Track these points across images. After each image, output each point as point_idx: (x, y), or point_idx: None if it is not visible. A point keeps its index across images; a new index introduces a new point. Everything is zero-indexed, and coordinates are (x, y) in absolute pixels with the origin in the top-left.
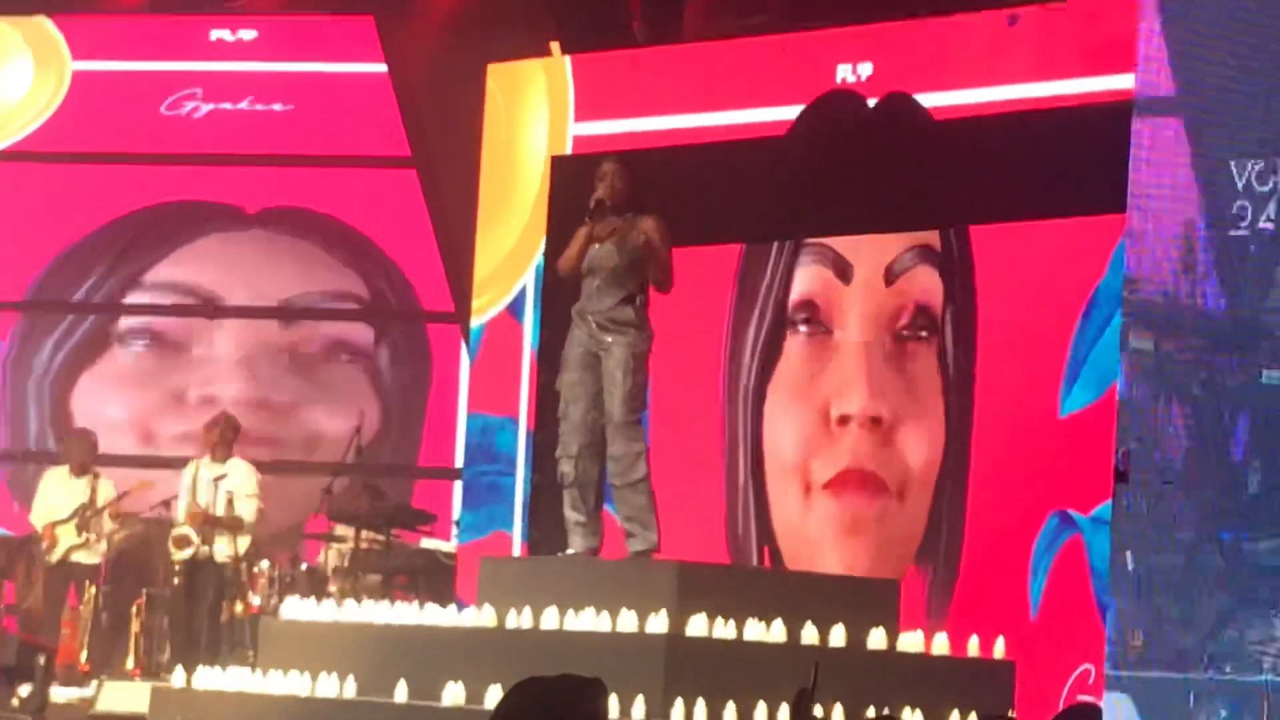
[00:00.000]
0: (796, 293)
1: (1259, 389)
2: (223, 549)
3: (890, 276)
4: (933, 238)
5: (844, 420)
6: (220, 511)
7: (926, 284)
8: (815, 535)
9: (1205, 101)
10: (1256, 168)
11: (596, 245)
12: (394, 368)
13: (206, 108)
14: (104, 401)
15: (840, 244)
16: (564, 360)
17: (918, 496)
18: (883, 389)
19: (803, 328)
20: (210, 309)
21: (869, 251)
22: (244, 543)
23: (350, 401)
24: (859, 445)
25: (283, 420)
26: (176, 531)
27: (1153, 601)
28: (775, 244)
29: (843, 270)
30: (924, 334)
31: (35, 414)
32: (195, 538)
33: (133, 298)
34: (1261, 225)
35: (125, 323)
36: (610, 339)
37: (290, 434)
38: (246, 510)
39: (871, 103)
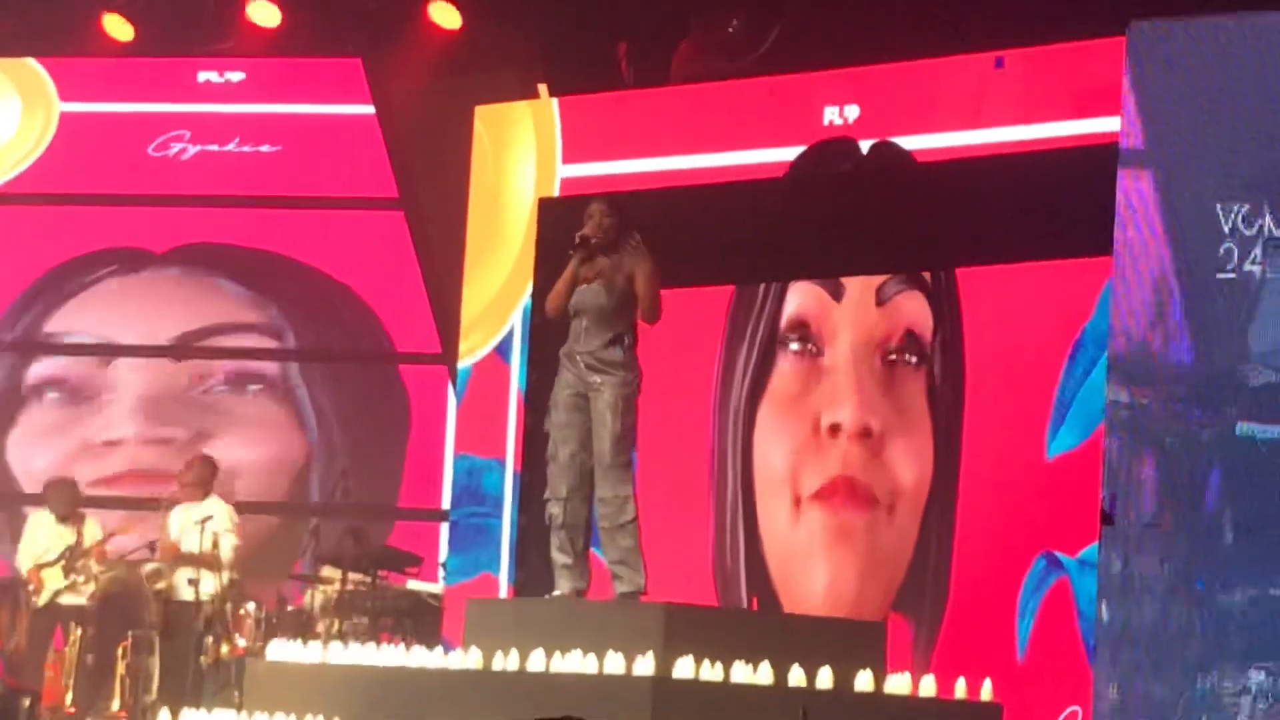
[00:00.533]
0: (789, 312)
1: (1233, 441)
2: (205, 587)
3: (881, 298)
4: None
5: (834, 430)
6: (206, 549)
7: (916, 309)
8: (804, 547)
9: (1188, 147)
10: (1242, 211)
11: (584, 285)
12: (321, 398)
13: (194, 149)
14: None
15: None
16: (552, 402)
17: (907, 513)
18: (873, 403)
19: (794, 346)
20: (122, 350)
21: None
22: (221, 579)
23: (262, 432)
24: (849, 454)
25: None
26: (148, 568)
27: (1128, 654)
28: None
29: (835, 288)
30: (912, 359)
31: None
32: (167, 573)
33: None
34: (1247, 268)
35: (34, 374)
36: (599, 380)
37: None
38: (223, 547)
39: (864, 145)
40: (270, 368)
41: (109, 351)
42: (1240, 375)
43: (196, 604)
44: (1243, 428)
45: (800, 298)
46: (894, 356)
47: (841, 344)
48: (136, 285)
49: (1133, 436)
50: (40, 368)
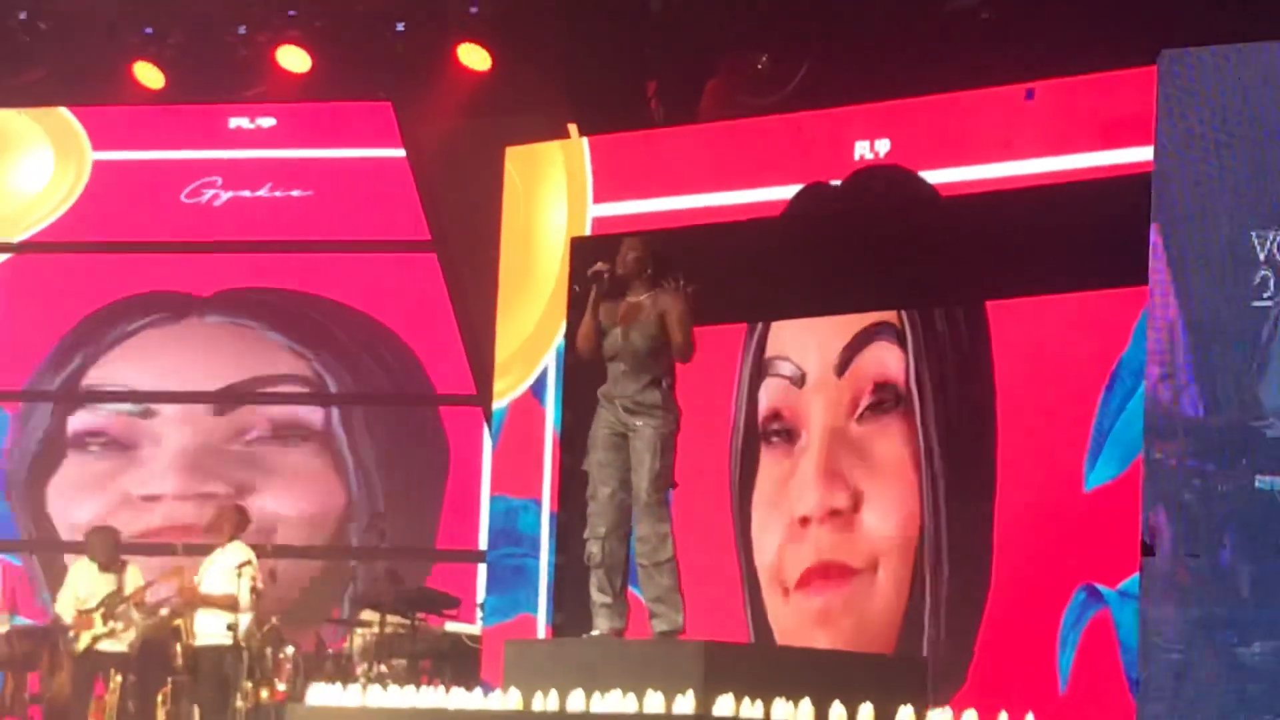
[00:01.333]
0: (764, 407)
1: (1250, 494)
2: (217, 628)
3: (840, 367)
4: (892, 316)
5: (804, 521)
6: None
7: (879, 359)
8: (797, 632)
9: (1221, 175)
10: (1277, 239)
11: (618, 329)
12: (363, 447)
13: (226, 195)
14: (71, 505)
15: (795, 349)
16: (591, 441)
17: (896, 565)
18: (841, 477)
19: (775, 439)
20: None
21: (816, 349)
22: (244, 620)
23: (304, 484)
24: (820, 541)
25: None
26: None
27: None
28: (743, 357)
29: (798, 377)
30: (887, 406)
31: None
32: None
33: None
34: None
35: (75, 424)
36: (639, 422)
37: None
38: (242, 588)
39: (859, 180)
40: (311, 418)
41: (150, 399)
42: (1255, 430)
43: (228, 648)
44: (1262, 480)
45: (771, 390)
46: (865, 414)
47: (813, 423)
48: (176, 335)
49: (1148, 491)
50: (82, 418)
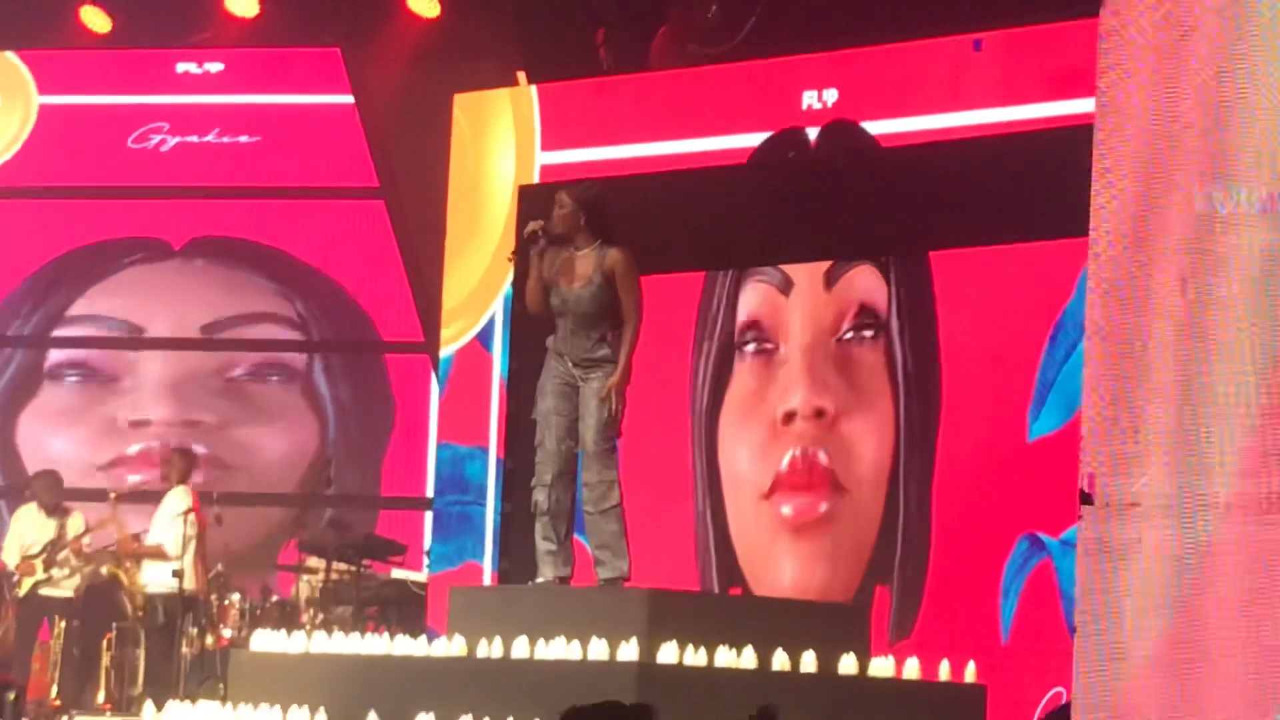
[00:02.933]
0: (742, 314)
1: None
2: (163, 575)
3: (829, 281)
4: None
5: (789, 417)
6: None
7: (868, 284)
8: (768, 541)
9: (1164, 125)
10: (1219, 190)
11: (566, 288)
12: (334, 389)
13: (173, 140)
14: (45, 436)
15: None
16: (540, 390)
17: (870, 490)
18: (826, 385)
19: (750, 348)
20: (150, 340)
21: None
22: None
23: (286, 421)
24: (804, 435)
25: (216, 441)
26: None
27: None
28: (723, 273)
29: (783, 283)
30: (868, 334)
31: None
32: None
33: (61, 331)
34: (1221, 238)
35: (54, 357)
36: (590, 375)
37: (228, 455)
38: (165, 539)
39: (812, 134)
40: (293, 360)
41: (129, 345)
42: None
43: (174, 594)
44: None
45: (750, 298)
46: (849, 335)
47: (794, 335)
48: (150, 275)
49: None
50: (60, 351)
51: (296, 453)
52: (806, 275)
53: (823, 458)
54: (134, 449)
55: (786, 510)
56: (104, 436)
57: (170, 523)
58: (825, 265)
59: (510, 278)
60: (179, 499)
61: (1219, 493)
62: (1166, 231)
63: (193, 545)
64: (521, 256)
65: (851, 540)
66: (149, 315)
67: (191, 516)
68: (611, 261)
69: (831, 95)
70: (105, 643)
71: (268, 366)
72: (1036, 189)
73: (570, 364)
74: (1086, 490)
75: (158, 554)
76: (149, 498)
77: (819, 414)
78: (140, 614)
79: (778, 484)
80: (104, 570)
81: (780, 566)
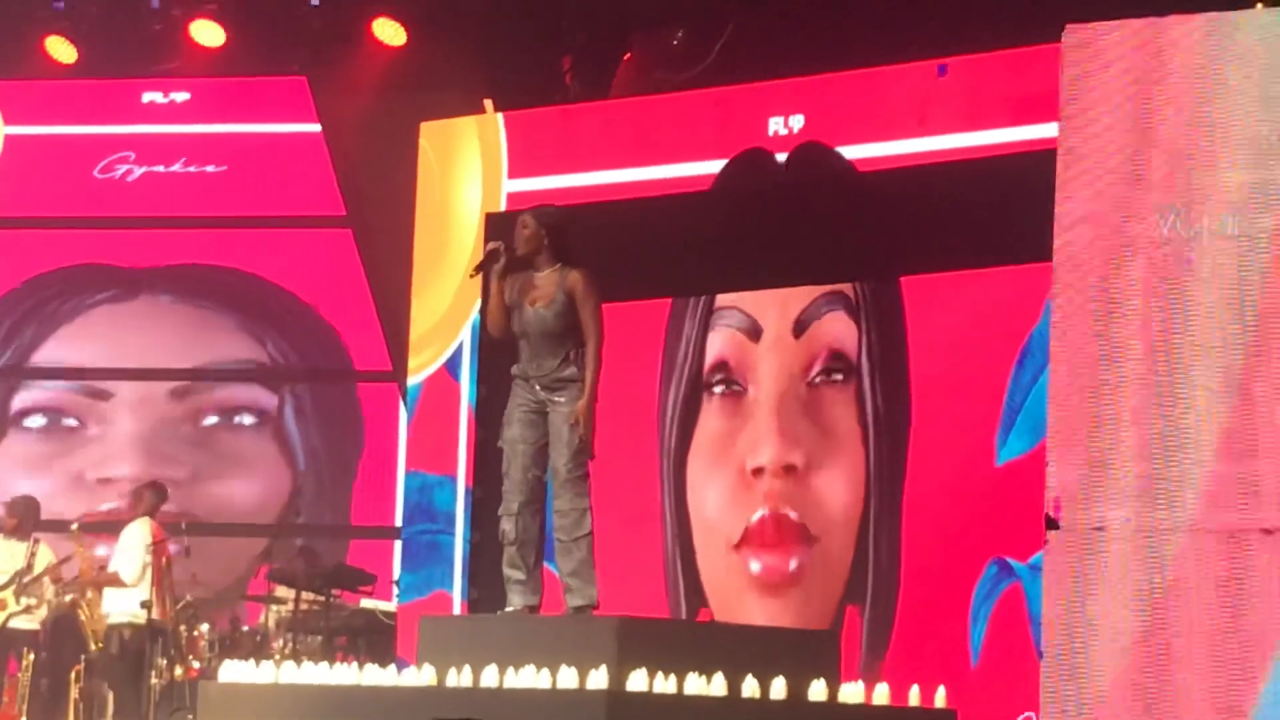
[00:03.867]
0: (710, 356)
1: None
2: (129, 605)
3: (799, 328)
4: (847, 287)
5: (758, 472)
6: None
7: (837, 330)
8: (738, 593)
9: (1125, 149)
10: (1182, 213)
11: (529, 308)
12: (304, 429)
13: (140, 170)
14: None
15: (749, 302)
16: (506, 417)
17: (840, 540)
18: (796, 437)
19: (718, 389)
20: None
21: (777, 307)
22: (131, 596)
23: (258, 469)
24: (774, 492)
25: (186, 494)
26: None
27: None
28: (691, 305)
29: (752, 330)
30: (838, 377)
31: None
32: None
33: (29, 379)
34: (1184, 267)
35: (18, 403)
36: (559, 398)
37: (200, 509)
38: (121, 567)
39: (781, 157)
40: (262, 399)
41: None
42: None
43: (141, 625)
44: None
45: (720, 343)
46: (819, 379)
47: (764, 379)
48: (117, 316)
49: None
50: (25, 396)
51: (268, 499)
52: (776, 321)
53: (793, 515)
54: (105, 507)
55: (756, 567)
56: (71, 490)
57: (129, 551)
58: (794, 314)
59: (478, 305)
60: (140, 529)
61: (1184, 517)
62: (1128, 262)
63: (149, 574)
64: (484, 274)
65: (822, 589)
66: (117, 360)
67: (149, 544)
68: (572, 281)
69: (798, 121)
70: (73, 675)
71: (238, 410)
72: (1002, 213)
73: (537, 387)
74: (1052, 515)
75: (114, 581)
76: (110, 528)
77: (789, 470)
78: (100, 645)
79: (747, 538)
80: (67, 599)
81: (749, 617)
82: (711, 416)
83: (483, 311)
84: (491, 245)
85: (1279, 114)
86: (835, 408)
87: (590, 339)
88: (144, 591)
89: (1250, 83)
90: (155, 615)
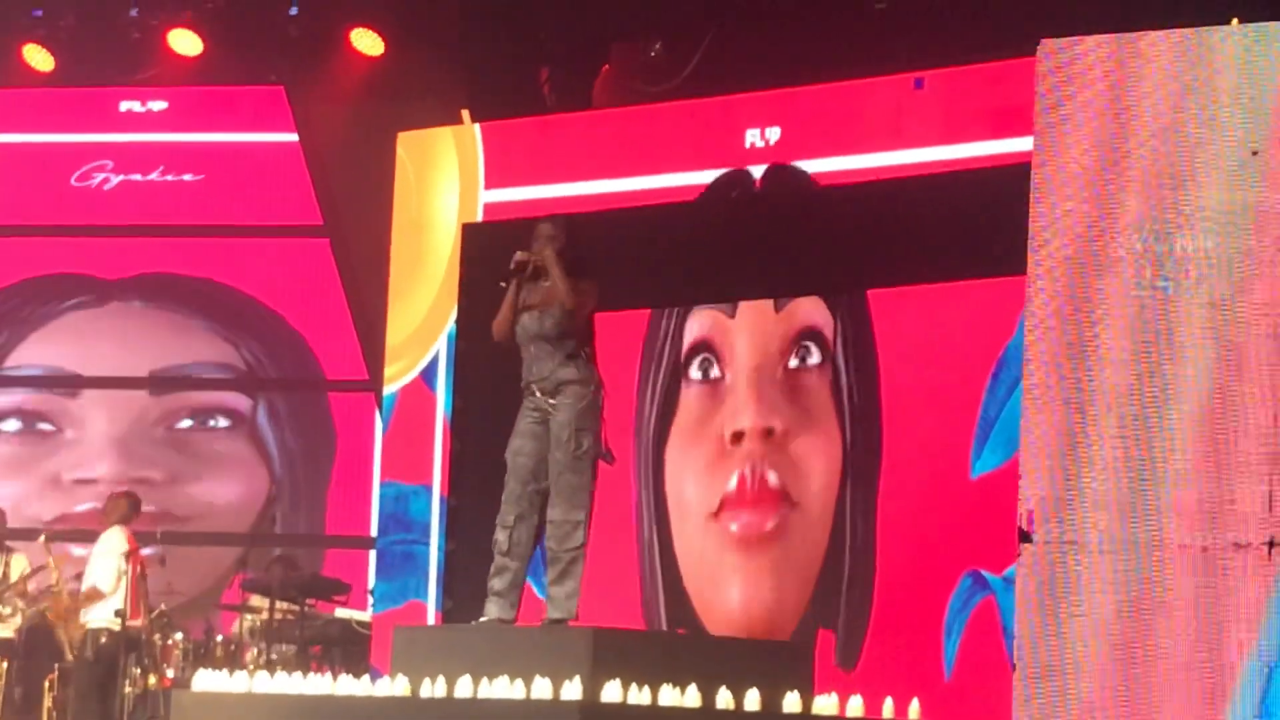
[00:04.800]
0: (689, 338)
1: None
2: (104, 614)
3: (779, 303)
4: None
5: (737, 437)
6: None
7: (814, 310)
8: (716, 561)
9: (1099, 164)
10: (1155, 228)
11: (525, 314)
12: (279, 434)
13: (117, 179)
14: None
15: None
16: (515, 428)
17: (816, 513)
18: (774, 406)
19: (696, 374)
20: (83, 382)
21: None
22: (104, 607)
23: (234, 471)
24: (754, 453)
25: (164, 496)
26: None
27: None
28: (668, 310)
29: (729, 308)
30: (814, 360)
31: None
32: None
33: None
34: (1159, 284)
35: None
36: (558, 400)
37: (178, 509)
38: (98, 577)
39: (757, 171)
40: (237, 404)
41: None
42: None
43: (116, 633)
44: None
45: (697, 322)
46: (795, 362)
47: (741, 360)
48: (91, 320)
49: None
50: (2, 399)
51: (246, 501)
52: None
53: (772, 477)
54: (81, 508)
55: (734, 527)
56: (47, 492)
57: (104, 561)
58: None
59: (454, 316)
60: (115, 538)
61: (1156, 532)
62: (1103, 276)
63: (124, 583)
64: (507, 284)
65: (800, 555)
66: (91, 362)
67: (126, 552)
68: (576, 287)
69: (774, 133)
70: (47, 683)
71: (213, 414)
72: (978, 226)
73: (538, 393)
74: (1025, 529)
75: (94, 597)
76: (81, 536)
77: (768, 433)
78: (75, 652)
79: (725, 503)
80: (44, 610)
81: (727, 585)
82: (690, 402)
83: (460, 320)
84: (520, 258)
85: (1253, 130)
86: (812, 389)
87: (567, 301)
88: (119, 600)
89: (1225, 98)
90: (130, 623)
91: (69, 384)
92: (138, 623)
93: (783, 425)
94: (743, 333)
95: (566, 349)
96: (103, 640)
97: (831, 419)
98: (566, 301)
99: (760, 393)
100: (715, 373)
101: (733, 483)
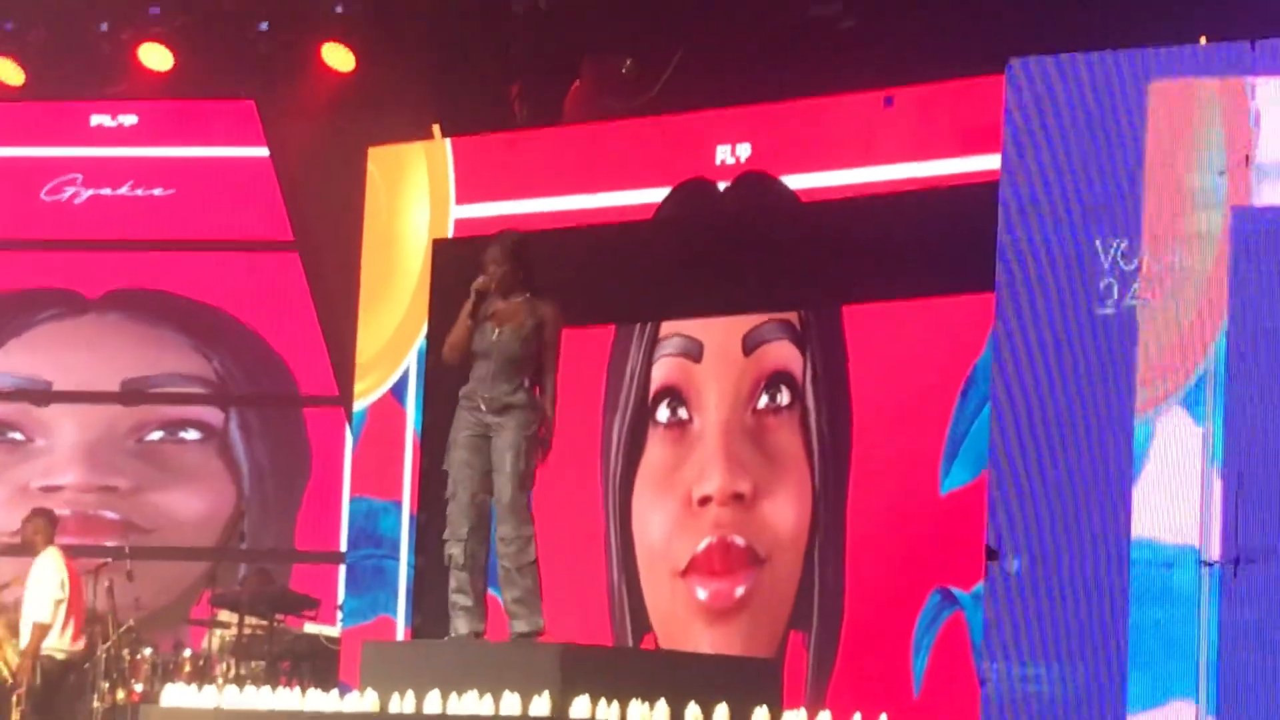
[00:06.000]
0: (655, 384)
1: None
2: (60, 639)
3: (748, 346)
4: (791, 315)
5: (705, 501)
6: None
7: (785, 354)
8: (685, 621)
9: (1067, 183)
10: (1121, 246)
11: (494, 330)
12: (250, 448)
13: (87, 193)
14: None
15: (693, 327)
16: (452, 441)
17: (787, 564)
18: (742, 464)
19: (662, 418)
20: (52, 395)
21: (723, 327)
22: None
23: (202, 483)
24: (721, 519)
25: (130, 505)
26: None
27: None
28: (636, 334)
29: (695, 353)
30: (783, 402)
31: None
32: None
33: None
34: (1127, 303)
35: None
36: (504, 421)
37: (143, 519)
38: (35, 611)
39: (721, 186)
40: (208, 417)
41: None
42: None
43: (78, 652)
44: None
45: (664, 369)
46: (764, 405)
47: (709, 406)
48: (65, 331)
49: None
50: None
51: (212, 514)
52: (720, 337)
53: (739, 541)
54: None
55: (702, 595)
56: (18, 501)
57: (39, 591)
58: (741, 331)
59: (424, 331)
60: (48, 567)
61: (1123, 547)
62: (1071, 294)
63: (62, 608)
64: (460, 306)
65: (768, 614)
66: (63, 373)
67: (64, 579)
68: (544, 312)
69: (745, 150)
70: (15, 699)
71: (183, 425)
72: (947, 243)
73: (483, 408)
74: (993, 546)
75: (36, 635)
76: (13, 550)
77: (737, 498)
78: (15, 678)
79: (694, 565)
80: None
81: (698, 644)
82: (657, 446)
83: (430, 335)
84: (480, 284)
85: (1219, 148)
86: (781, 434)
87: (551, 371)
88: (57, 629)
89: (1193, 116)
90: (75, 647)
91: (41, 398)
92: (79, 646)
93: (751, 487)
94: (710, 378)
95: (522, 374)
96: (47, 666)
97: (802, 467)
98: (553, 371)
99: (729, 448)
100: (684, 413)
101: (701, 546)
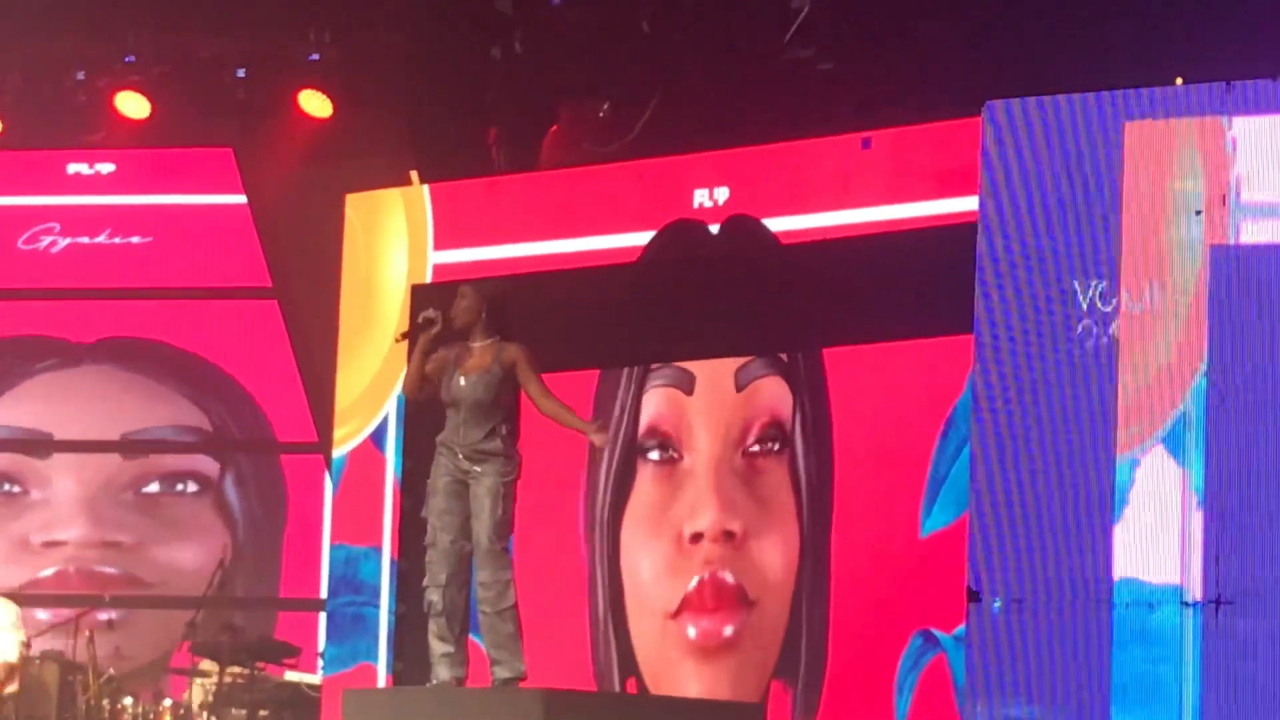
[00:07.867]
0: (645, 419)
1: None
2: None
3: (740, 383)
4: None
5: (696, 538)
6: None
7: (776, 393)
8: (676, 661)
9: (1044, 225)
10: (1100, 287)
11: (461, 379)
12: (244, 499)
13: (64, 242)
14: None
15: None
16: (430, 488)
17: (774, 608)
18: (734, 504)
19: (653, 455)
20: (51, 445)
21: (713, 362)
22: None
23: (199, 536)
24: (712, 558)
25: (132, 560)
26: None
27: None
28: (626, 373)
29: (686, 384)
30: (774, 446)
31: None
32: None
33: None
34: (1104, 341)
35: None
36: (481, 469)
37: (145, 574)
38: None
39: (714, 229)
40: (204, 468)
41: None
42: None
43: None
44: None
45: (654, 403)
46: (755, 448)
47: (699, 444)
48: (66, 381)
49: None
50: None
51: (209, 565)
52: (710, 373)
53: (730, 578)
54: (47, 572)
55: (692, 633)
56: (18, 555)
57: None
58: (733, 366)
59: (403, 377)
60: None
61: (1104, 589)
62: (1049, 335)
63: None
64: (411, 339)
65: (756, 658)
66: (63, 425)
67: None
68: (511, 356)
69: (723, 193)
70: None
71: (182, 478)
72: (925, 285)
73: (460, 456)
74: (973, 588)
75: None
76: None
77: (728, 536)
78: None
79: (686, 604)
80: None
81: (685, 687)
82: (646, 484)
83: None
84: (427, 314)
85: (1196, 187)
86: (770, 478)
87: (546, 396)
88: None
89: (1171, 156)
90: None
91: (41, 450)
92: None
93: (742, 526)
94: (700, 414)
95: (495, 419)
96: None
97: (790, 510)
98: (544, 404)
99: (719, 488)
100: (673, 452)
101: (692, 584)
